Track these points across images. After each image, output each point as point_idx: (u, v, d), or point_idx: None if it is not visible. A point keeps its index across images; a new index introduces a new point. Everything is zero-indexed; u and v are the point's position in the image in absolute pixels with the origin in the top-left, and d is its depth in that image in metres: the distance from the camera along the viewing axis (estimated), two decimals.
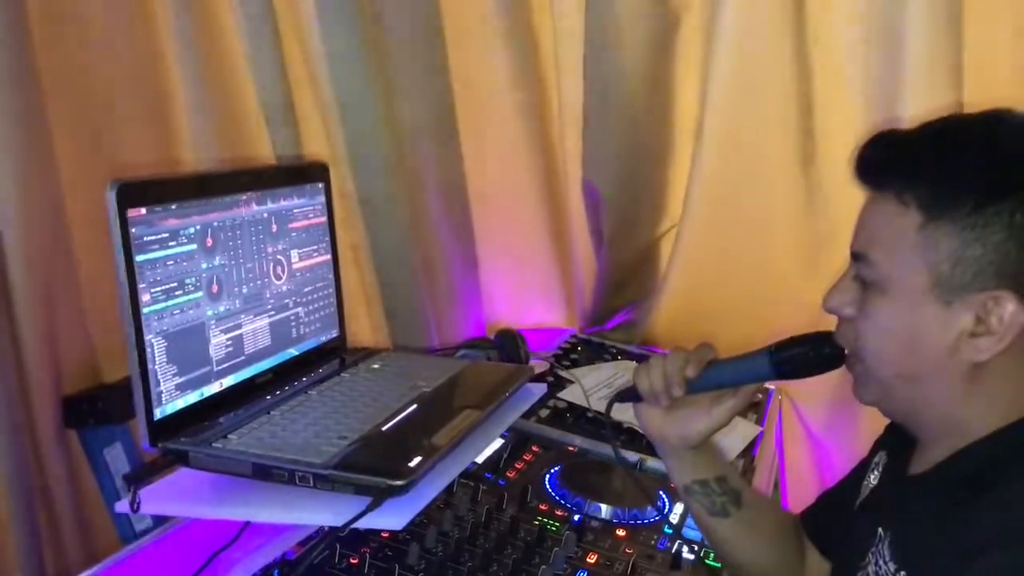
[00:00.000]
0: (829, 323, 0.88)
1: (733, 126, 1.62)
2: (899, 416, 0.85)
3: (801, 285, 1.66)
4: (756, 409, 1.67)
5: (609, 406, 1.00)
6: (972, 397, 0.76)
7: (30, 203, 1.14)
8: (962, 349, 0.74)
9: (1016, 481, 0.71)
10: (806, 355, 0.88)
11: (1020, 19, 1.38)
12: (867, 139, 0.79)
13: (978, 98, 1.32)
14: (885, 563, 0.78)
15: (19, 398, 1.17)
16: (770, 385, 1.81)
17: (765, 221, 1.67)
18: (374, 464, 0.88)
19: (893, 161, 0.77)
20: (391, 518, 0.86)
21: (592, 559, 1.08)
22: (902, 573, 0.76)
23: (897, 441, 0.89)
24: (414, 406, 1.06)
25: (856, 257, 0.80)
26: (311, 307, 1.21)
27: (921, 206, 0.73)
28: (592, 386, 1.58)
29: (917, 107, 1.36)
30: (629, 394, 0.99)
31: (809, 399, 1.80)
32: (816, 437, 1.81)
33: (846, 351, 0.85)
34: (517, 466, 1.32)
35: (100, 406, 1.28)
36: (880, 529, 0.82)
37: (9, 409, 1.15)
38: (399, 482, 0.85)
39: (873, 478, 0.95)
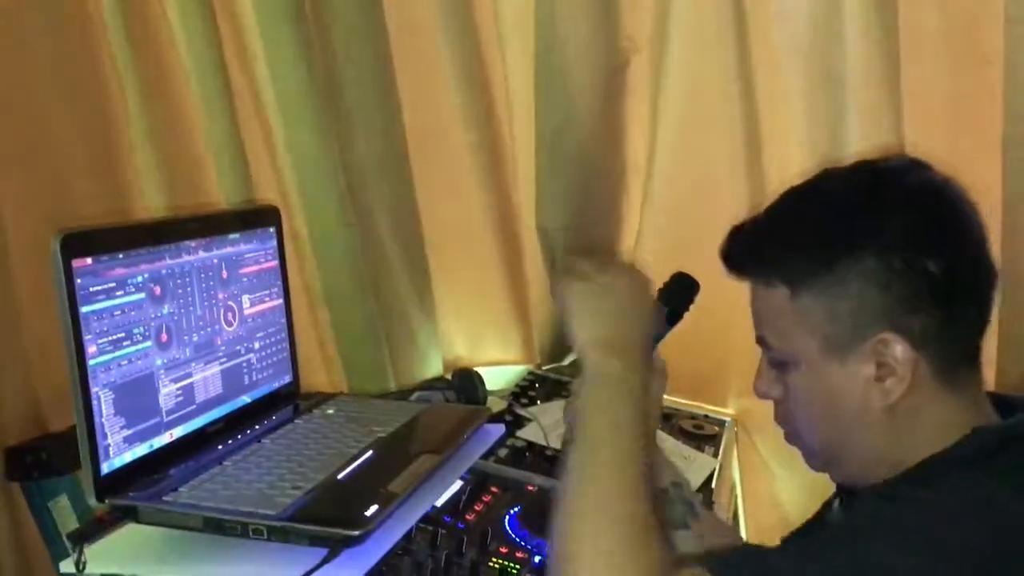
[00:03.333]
0: None
1: (683, 166, 1.65)
2: (845, 477, 0.87)
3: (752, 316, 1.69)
4: (712, 442, 1.68)
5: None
6: (899, 438, 0.78)
7: None
8: (872, 396, 0.77)
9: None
10: (673, 289, 0.98)
11: (954, 59, 1.44)
12: (725, 238, 0.86)
13: (917, 136, 1.37)
14: None
15: None
16: (726, 415, 1.83)
17: (716, 257, 1.69)
18: (329, 514, 0.87)
19: (748, 253, 0.84)
20: (348, 570, 0.84)
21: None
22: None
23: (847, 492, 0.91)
24: (370, 452, 1.05)
25: (760, 343, 0.85)
26: (263, 353, 1.19)
27: (783, 283, 0.78)
28: (550, 423, 1.58)
29: (859, 144, 1.41)
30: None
31: (764, 428, 1.82)
32: (772, 467, 1.82)
33: (784, 431, 0.89)
34: (476, 508, 1.30)
35: (44, 457, 1.24)
36: None
37: None
38: (355, 532, 0.84)
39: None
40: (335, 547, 0.84)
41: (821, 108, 1.46)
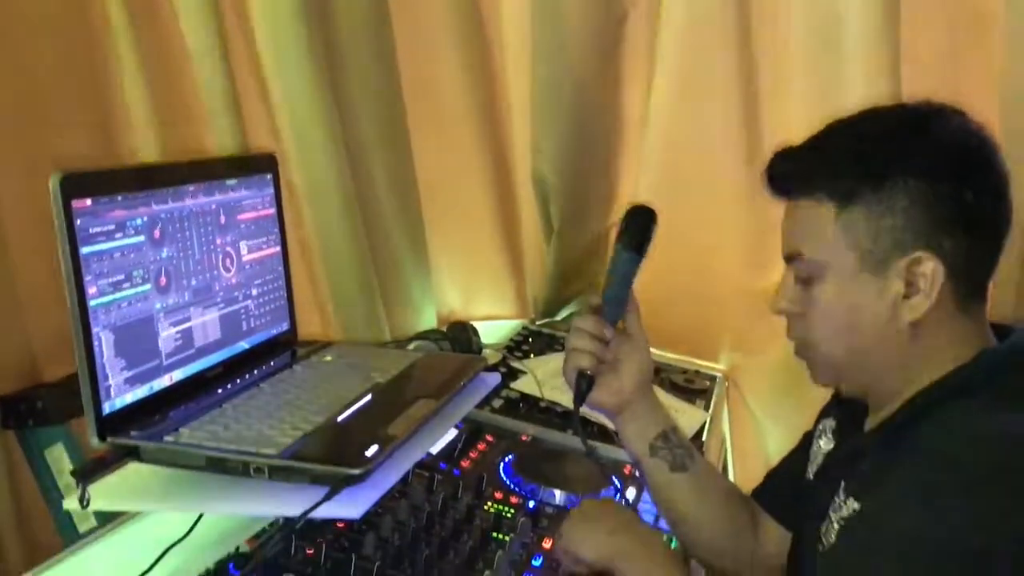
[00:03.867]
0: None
1: (679, 120, 1.65)
2: (856, 391, 0.92)
3: (746, 273, 1.70)
4: (703, 396, 1.71)
5: (576, 409, 1.03)
6: (915, 354, 0.84)
7: None
8: (899, 313, 0.83)
9: (941, 413, 0.79)
10: (630, 224, 0.99)
11: (953, 15, 1.44)
12: (770, 159, 0.90)
13: (914, 89, 1.37)
14: (843, 503, 0.84)
15: None
16: (716, 371, 1.86)
17: (711, 212, 1.70)
18: (330, 454, 0.88)
19: (798, 171, 0.88)
20: (348, 507, 0.86)
21: (547, 544, 1.09)
22: (856, 504, 0.81)
23: (847, 407, 0.95)
24: (369, 396, 1.06)
25: (789, 259, 0.89)
26: (261, 300, 1.19)
27: (832, 199, 0.84)
28: (544, 375, 1.60)
29: (857, 98, 1.40)
30: (582, 384, 1.01)
31: (753, 384, 1.85)
32: (761, 421, 1.85)
33: (796, 343, 0.92)
34: (471, 456, 1.32)
35: (40, 405, 1.25)
36: (841, 484, 0.87)
37: None
38: (356, 471, 0.85)
39: (824, 443, 1.01)
40: (336, 485, 0.85)
41: (819, 62, 1.46)
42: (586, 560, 0.94)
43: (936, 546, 0.69)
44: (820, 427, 1.03)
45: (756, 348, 1.80)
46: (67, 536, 1.25)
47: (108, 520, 1.12)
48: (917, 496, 0.72)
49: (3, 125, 1.20)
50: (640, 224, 0.99)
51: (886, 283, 0.82)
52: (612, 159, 1.78)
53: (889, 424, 0.85)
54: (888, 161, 0.82)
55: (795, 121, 1.53)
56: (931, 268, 0.80)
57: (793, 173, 0.88)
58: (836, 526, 0.85)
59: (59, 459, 1.31)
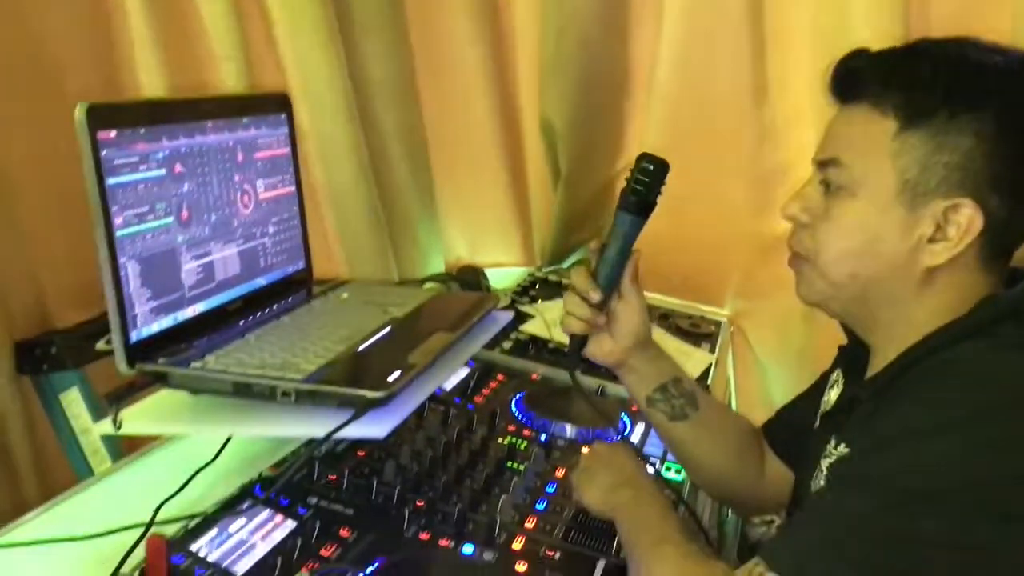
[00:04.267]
0: (779, 252, 0.93)
1: (687, 66, 1.65)
2: (844, 315, 0.89)
3: (753, 218, 1.72)
4: (708, 340, 1.73)
5: (572, 369, 1.04)
6: (922, 300, 0.81)
7: None
8: (918, 255, 0.79)
9: (935, 359, 0.77)
10: (636, 181, 0.92)
11: None
12: (844, 56, 0.83)
13: (922, 30, 1.38)
14: (833, 450, 0.84)
15: None
16: (721, 316, 1.88)
17: (719, 157, 1.71)
18: (354, 378, 0.91)
19: (873, 71, 0.81)
20: (372, 428, 0.88)
21: (560, 473, 1.12)
22: (845, 450, 0.81)
23: (852, 358, 0.93)
24: (387, 329, 1.08)
25: (824, 164, 0.84)
26: (278, 238, 1.21)
27: (898, 113, 0.78)
28: (552, 318, 1.62)
29: (865, 39, 1.41)
30: (575, 345, 1.02)
31: (758, 328, 1.88)
32: (766, 365, 1.88)
33: (795, 252, 0.89)
34: (484, 392, 1.35)
35: (54, 351, 1.26)
36: (833, 436, 0.86)
37: None
38: (380, 394, 0.88)
39: (833, 394, 1.00)
40: (360, 408, 0.88)
41: (827, 4, 1.46)
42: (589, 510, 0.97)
43: (921, 485, 0.68)
44: (832, 378, 1.01)
45: (761, 293, 1.82)
46: (84, 477, 1.27)
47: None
48: (904, 437, 0.71)
49: (7, 70, 1.19)
50: (646, 184, 0.92)
51: (916, 219, 0.78)
52: (619, 105, 1.79)
53: (886, 372, 0.82)
54: (975, 95, 0.76)
55: (801, 62, 1.53)
56: (967, 218, 0.76)
57: (869, 75, 0.81)
58: (824, 472, 0.84)
59: (74, 403, 1.33)
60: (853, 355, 0.92)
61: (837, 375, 1.00)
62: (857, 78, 0.82)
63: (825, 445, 0.87)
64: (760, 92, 1.61)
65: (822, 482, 0.84)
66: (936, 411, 0.71)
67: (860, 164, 0.80)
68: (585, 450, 1.07)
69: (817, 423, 0.99)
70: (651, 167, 0.92)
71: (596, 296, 0.97)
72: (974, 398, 0.71)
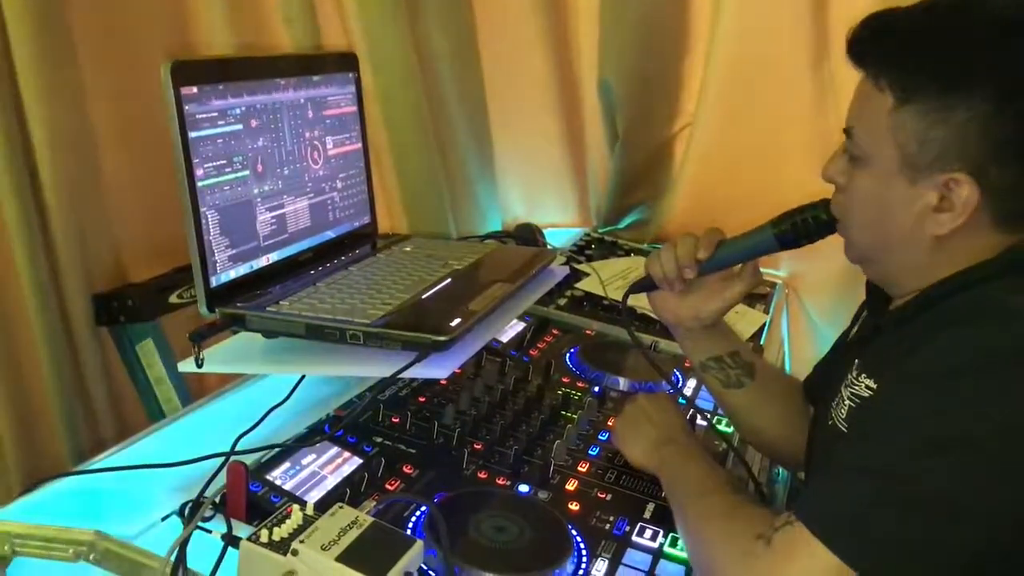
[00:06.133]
0: None
1: (746, 24, 1.65)
2: (876, 277, 0.92)
3: (811, 180, 1.70)
4: (763, 300, 1.75)
5: (626, 296, 1.07)
6: (936, 264, 0.83)
7: (53, 106, 1.15)
8: (925, 223, 0.81)
9: (959, 297, 0.80)
10: (803, 222, 0.95)
11: None
12: (858, 23, 0.84)
13: None
14: (856, 380, 0.86)
15: (53, 297, 1.21)
16: (777, 278, 1.89)
17: (777, 118, 1.71)
18: (418, 323, 0.96)
19: (873, 45, 0.82)
20: (435, 369, 0.94)
21: (612, 423, 1.16)
22: (870, 381, 0.84)
23: (877, 294, 0.95)
24: (448, 280, 1.13)
25: (846, 133, 0.86)
26: (345, 193, 1.27)
27: (893, 90, 0.79)
28: (608, 277, 1.66)
29: None
30: (644, 284, 1.06)
31: (813, 291, 1.88)
32: (819, 326, 1.89)
33: (837, 218, 0.91)
34: (539, 346, 1.40)
35: (131, 303, 1.31)
36: (856, 360, 0.89)
37: (46, 307, 1.19)
38: (442, 337, 0.92)
39: (854, 331, 1.02)
40: (424, 350, 0.93)
41: None
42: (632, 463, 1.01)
43: (946, 432, 0.70)
44: (858, 313, 1.03)
45: (816, 256, 1.82)
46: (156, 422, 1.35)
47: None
48: (929, 378, 0.73)
49: (85, 35, 1.22)
50: (809, 231, 0.94)
51: (919, 192, 0.80)
52: (677, 66, 1.79)
53: (908, 306, 0.85)
54: (962, 71, 0.77)
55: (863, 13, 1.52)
56: (966, 191, 0.77)
57: (869, 47, 0.83)
58: (847, 403, 0.86)
59: (149, 353, 1.40)
60: (877, 295, 0.94)
61: (862, 310, 1.02)
62: (862, 50, 0.83)
63: (847, 372, 0.89)
64: (820, 50, 1.61)
65: (844, 412, 0.87)
66: (959, 353, 0.73)
67: (867, 137, 0.83)
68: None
69: (842, 354, 1.01)
70: (826, 219, 0.93)
71: (690, 273, 1.00)
72: (995, 339, 0.73)
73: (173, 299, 1.35)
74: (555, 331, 1.47)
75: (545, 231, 1.87)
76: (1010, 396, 0.70)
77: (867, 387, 0.85)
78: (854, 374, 0.88)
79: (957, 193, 0.78)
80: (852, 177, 0.86)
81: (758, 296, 1.75)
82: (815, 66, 1.62)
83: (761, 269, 1.86)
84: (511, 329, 1.40)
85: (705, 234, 1.01)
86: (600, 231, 2.02)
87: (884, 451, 0.72)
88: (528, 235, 1.62)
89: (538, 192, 2.04)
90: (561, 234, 2.00)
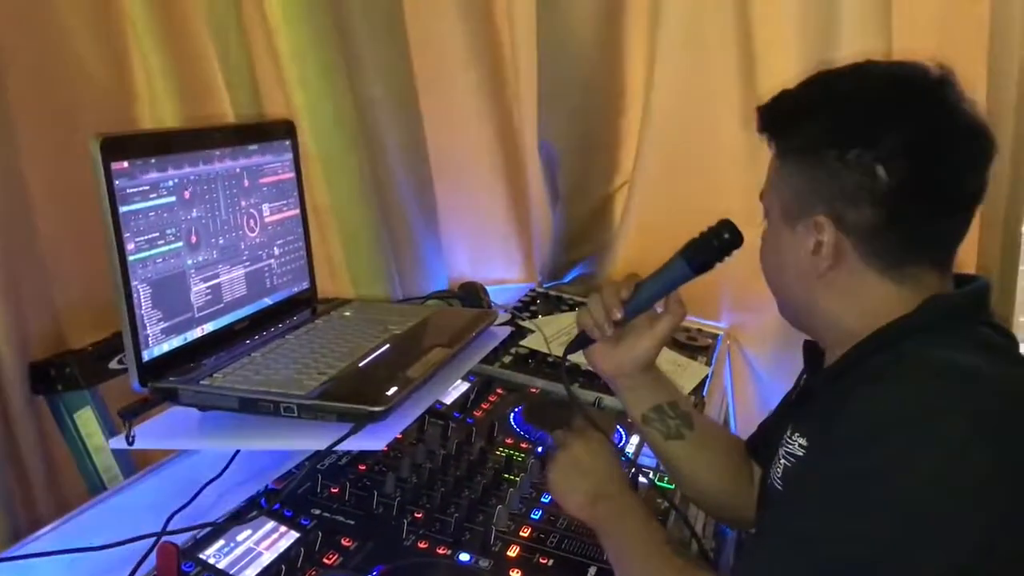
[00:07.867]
0: None
1: (679, 87, 1.71)
2: (799, 325, 0.97)
3: (747, 232, 1.76)
4: (705, 352, 1.77)
5: (564, 355, 1.08)
6: (836, 304, 0.88)
7: None
8: (810, 265, 0.88)
9: (884, 355, 0.82)
10: (710, 243, 0.98)
11: None
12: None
13: (904, 45, 1.43)
14: (790, 439, 0.90)
15: None
16: (719, 330, 1.92)
17: (712, 172, 1.76)
18: (354, 394, 0.96)
19: (766, 113, 0.93)
20: (372, 441, 0.93)
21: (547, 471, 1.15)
22: (803, 440, 0.88)
23: (810, 359, 1.00)
24: (387, 346, 1.13)
25: (760, 195, 0.96)
26: (283, 259, 1.26)
27: (776, 148, 0.91)
28: (552, 333, 1.67)
29: (850, 55, 1.46)
30: (580, 340, 1.07)
31: (755, 342, 1.91)
32: (762, 377, 1.92)
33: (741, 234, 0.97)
34: (483, 406, 1.40)
35: (68, 371, 1.28)
36: (792, 419, 0.93)
37: None
38: (378, 408, 0.92)
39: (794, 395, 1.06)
40: (360, 422, 0.92)
41: (813, 23, 1.51)
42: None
43: (867, 494, 0.71)
44: (799, 382, 1.06)
45: (756, 307, 1.86)
46: (96, 493, 1.31)
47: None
48: (853, 442, 0.75)
49: (25, 100, 1.21)
50: (718, 251, 0.97)
51: (798, 238, 0.87)
52: (615, 125, 1.84)
53: (839, 363, 0.88)
54: (815, 126, 0.86)
55: (791, 77, 1.58)
56: (828, 233, 0.85)
57: (765, 117, 0.93)
58: (783, 462, 0.90)
59: (88, 421, 1.37)
60: (814, 351, 0.98)
61: (803, 373, 1.05)
62: (762, 119, 0.93)
63: (783, 434, 0.93)
64: (749, 109, 1.64)
65: (779, 471, 0.90)
66: (876, 413, 0.75)
67: (767, 194, 0.93)
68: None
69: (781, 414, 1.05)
70: (728, 237, 0.96)
71: (617, 315, 1.02)
72: (910, 396, 0.75)
73: (113, 365, 1.32)
74: (500, 390, 1.47)
75: (491, 288, 1.88)
76: (928, 454, 0.71)
77: (800, 445, 0.88)
78: (788, 432, 0.91)
79: (825, 235, 0.85)
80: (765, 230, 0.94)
81: (700, 348, 1.78)
82: (746, 126, 1.66)
83: (702, 322, 1.94)
84: (455, 390, 1.40)
85: (624, 278, 1.05)
86: (545, 286, 2.04)
87: (809, 518, 0.74)
88: (472, 294, 1.62)
89: (483, 249, 2.06)
90: (507, 290, 2.02)
